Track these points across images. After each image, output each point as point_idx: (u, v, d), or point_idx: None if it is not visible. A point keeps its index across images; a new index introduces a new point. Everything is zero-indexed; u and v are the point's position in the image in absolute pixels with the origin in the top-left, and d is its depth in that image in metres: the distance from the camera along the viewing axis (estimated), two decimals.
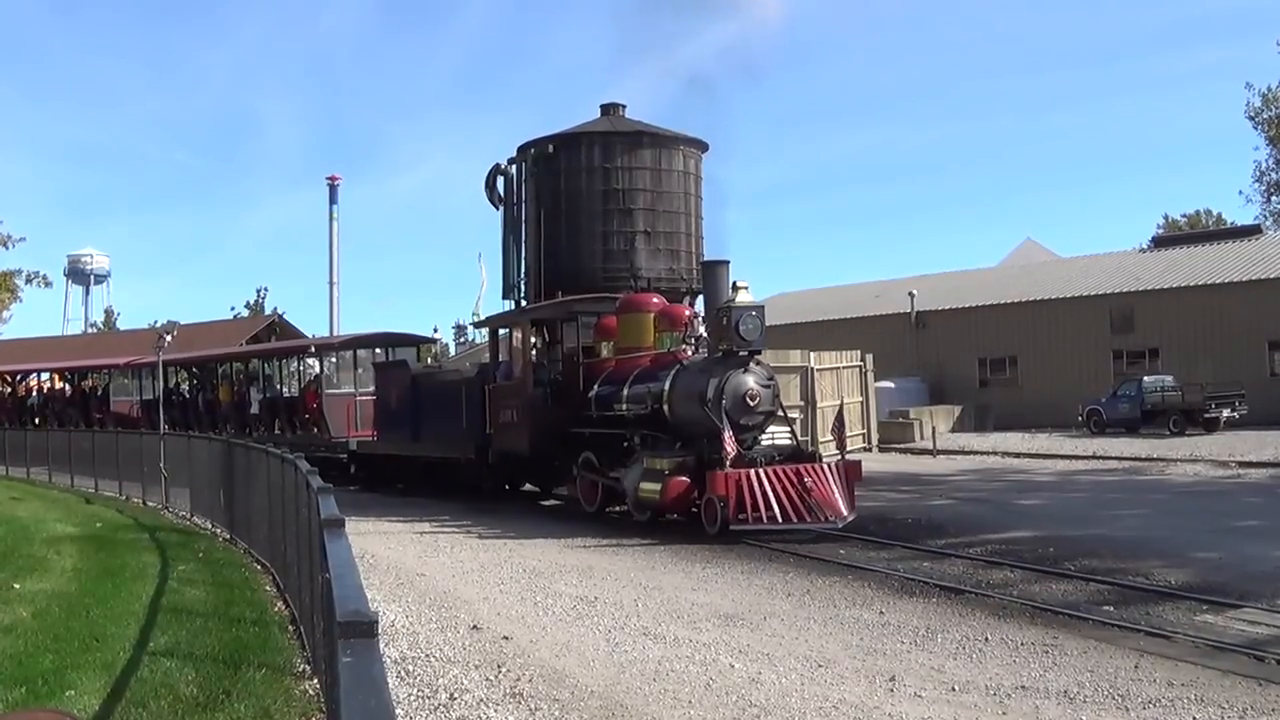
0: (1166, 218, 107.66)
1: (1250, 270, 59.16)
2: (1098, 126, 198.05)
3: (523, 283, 34.83)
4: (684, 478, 24.73)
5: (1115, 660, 13.29)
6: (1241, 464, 38.71)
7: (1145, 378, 55.24)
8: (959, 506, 28.92)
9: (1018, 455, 47.01)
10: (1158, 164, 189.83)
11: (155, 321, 75.40)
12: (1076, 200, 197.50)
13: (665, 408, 26.23)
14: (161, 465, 33.83)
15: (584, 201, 33.01)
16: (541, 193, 33.67)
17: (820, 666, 13.28)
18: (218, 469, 27.23)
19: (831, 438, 29.30)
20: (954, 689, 12.24)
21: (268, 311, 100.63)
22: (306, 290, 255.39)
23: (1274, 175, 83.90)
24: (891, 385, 60.78)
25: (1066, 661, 13.29)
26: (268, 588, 19.05)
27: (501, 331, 33.13)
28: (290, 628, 15.61)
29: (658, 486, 25.12)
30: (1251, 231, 67.68)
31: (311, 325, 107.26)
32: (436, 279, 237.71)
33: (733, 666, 13.29)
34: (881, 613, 16.42)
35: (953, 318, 68.63)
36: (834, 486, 24.26)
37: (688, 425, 25.69)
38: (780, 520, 23.35)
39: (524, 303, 34.73)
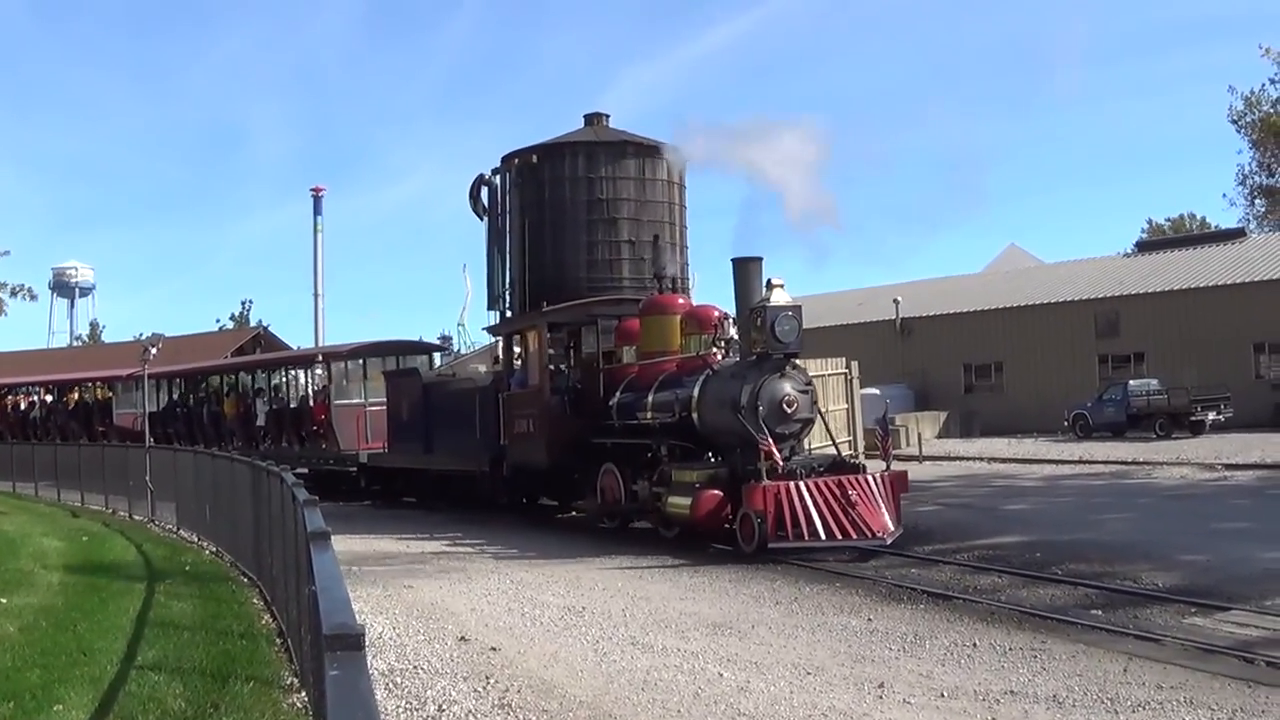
0: (1150, 222, 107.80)
1: (1234, 273, 59.34)
2: (1080, 131, 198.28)
3: (508, 293, 34.61)
4: (716, 491, 23.18)
5: (1104, 664, 13.30)
6: (1228, 466, 38.77)
7: (1131, 381, 55.47)
8: (945, 512, 28.88)
9: (1004, 460, 47.10)
10: (1141, 168, 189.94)
11: (141, 334, 75.14)
12: (1060, 206, 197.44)
13: (694, 416, 24.90)
14: (147, 479, 33.74)
15: (568, 211, 32.73)
16: (526, 203, 33.47)
17: (809, 674, 13.27)
18: (204, 482, 27.17)
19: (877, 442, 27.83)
20: (943, 695, 12.24)
21: (252, 324, 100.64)
22: (291, 302, 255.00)
23: (1257, 178, 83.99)
24: (877, 392, 60.81)
25: (1055, 666, 13.30)
26: (255, 601, 18.99)
27: (516, 337, 31.87)
28: (278, 640, 15.56)
29: (687, 501, 23.55)
30: (1235, 235, 67.81)
31: (296, 337, 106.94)
32: (422, 290, 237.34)
33: (721, 675, 13.28)
34: (869, 619, 16.42)
35: (937, 324, 68.80)
36: (879, 500, 22.67)
37: (719, 434, 24.53)
38: (824, 537, 21.77)
39: (509, 313, 34.27)
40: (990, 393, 66.28)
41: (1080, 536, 23.68)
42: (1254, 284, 57.51)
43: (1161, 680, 12.47)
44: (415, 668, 14.02)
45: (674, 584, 20.00)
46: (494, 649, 14.99)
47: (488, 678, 13.38)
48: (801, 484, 22.14)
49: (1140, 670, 12.95)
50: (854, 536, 22.08)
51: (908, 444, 52.59)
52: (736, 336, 25.55)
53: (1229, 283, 58.64)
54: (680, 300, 28.23)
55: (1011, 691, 12.27)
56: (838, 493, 22.25)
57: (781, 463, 22.62)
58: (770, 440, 22.59)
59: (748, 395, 23.46)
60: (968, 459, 48.33)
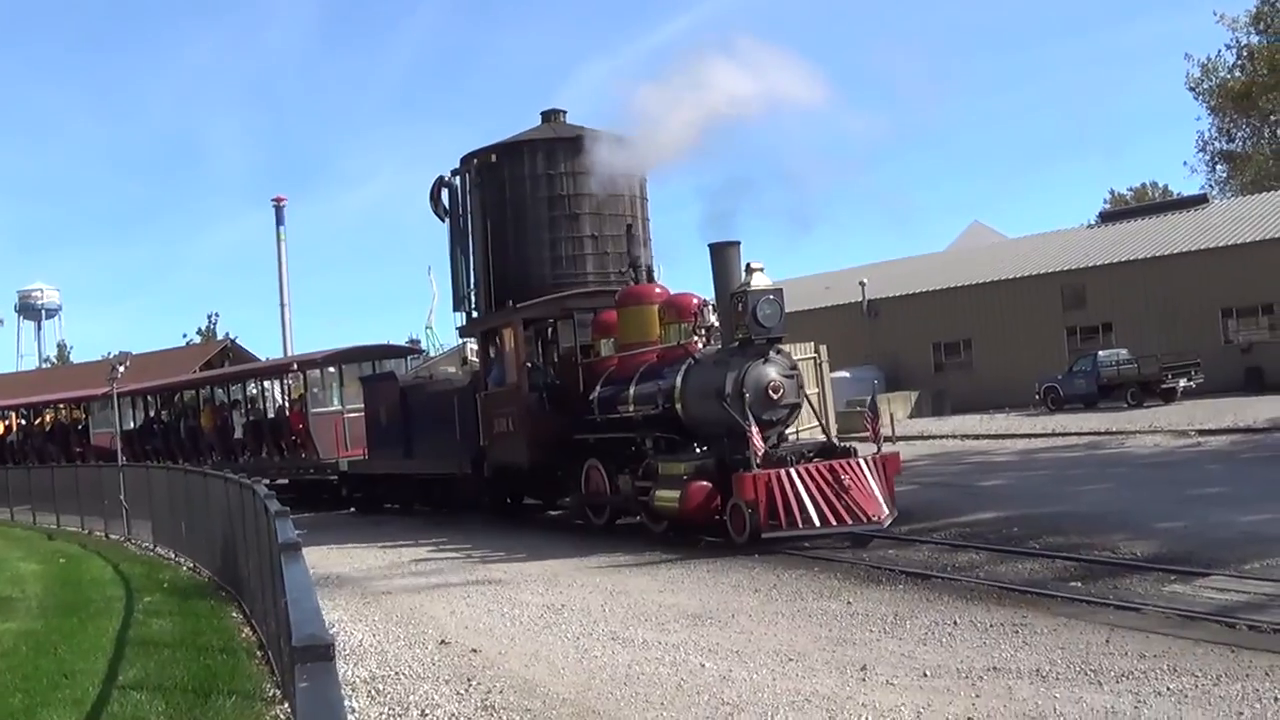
0: (1113, 193, 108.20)
1: (1199, 240, 59.51)
2: (1039, 105, 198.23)
3: (472, 294, 34.33)
4: (705, 482, 22.56)
5: (1086, 636, 13.31)
6: (1201, 432, 38.96)
7: (1100, 352, 55.57)
8: (921, 492, 28.84)
9: (977, 437, 47.22)
10: (1101, 139, 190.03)
11: (109, 353, 74.98)
12: (1022, 180, 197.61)
13: (678, 406, 24.22)
14: (121, 497, 33.65)
15: (529, 209, 32.31)
16: (487, 203, 33.10)
17: (791, 660, 13.26)
18: (178, 498, 27.09)
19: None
20: (925, 674, 12.23)
21: (220, 337, 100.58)
22: (258, 313, 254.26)
23: (1217, 144, 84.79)
24: (847, 375, 60.76)
25: (1037, 640, 13.31)
26: (234, 614, 18.95)
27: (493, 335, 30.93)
28: (258, 653, 15.55)
29: (676, 494, 22.91)
30: (1198, 201, 68.13)
31: (264, 348, 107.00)
32: (388, 294, 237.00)
33: (703, 666, 13.26)
34: (849, 603, 16.41)
35: (905, 304, 68.80)
36: (873, 483, 22.15)
37: (705, 424, 23.85)
38: (818, 524, 21.25)
39: (475, 314, 33.99)
40: (960, 370, 66.35)
41: (1057, 509, 23.73)
42: (1219, 249, 57.65)
43: (1144, 649, 12.48)
44: (397, 674, 13.99)
45: (652, 577, 19.96)
46: (475, 651, 14.96)
47: (469, 680, 13.35)
48: (792, 471, 21.63)
49: (1122, 640, 12.96)
50: (849, 522, 21.58)
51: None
52: (717, 324, 25.13)
53: (1194, 249, 58.77)
54: (657, 289, 27.61)
55: (994, 668, 12.27)
56: (830, 478, 21.80)
57: (768, 450, 22.11)
58: (757, 428, 22.11)
59: (732, 383, 22.89)
60: (941, 437, 48.39)
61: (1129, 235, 64.47)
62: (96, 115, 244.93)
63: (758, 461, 21.76)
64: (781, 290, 23.66)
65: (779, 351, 23.82)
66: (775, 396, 23.01)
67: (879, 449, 23.54)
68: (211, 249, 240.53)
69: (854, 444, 24.11)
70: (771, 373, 23.15)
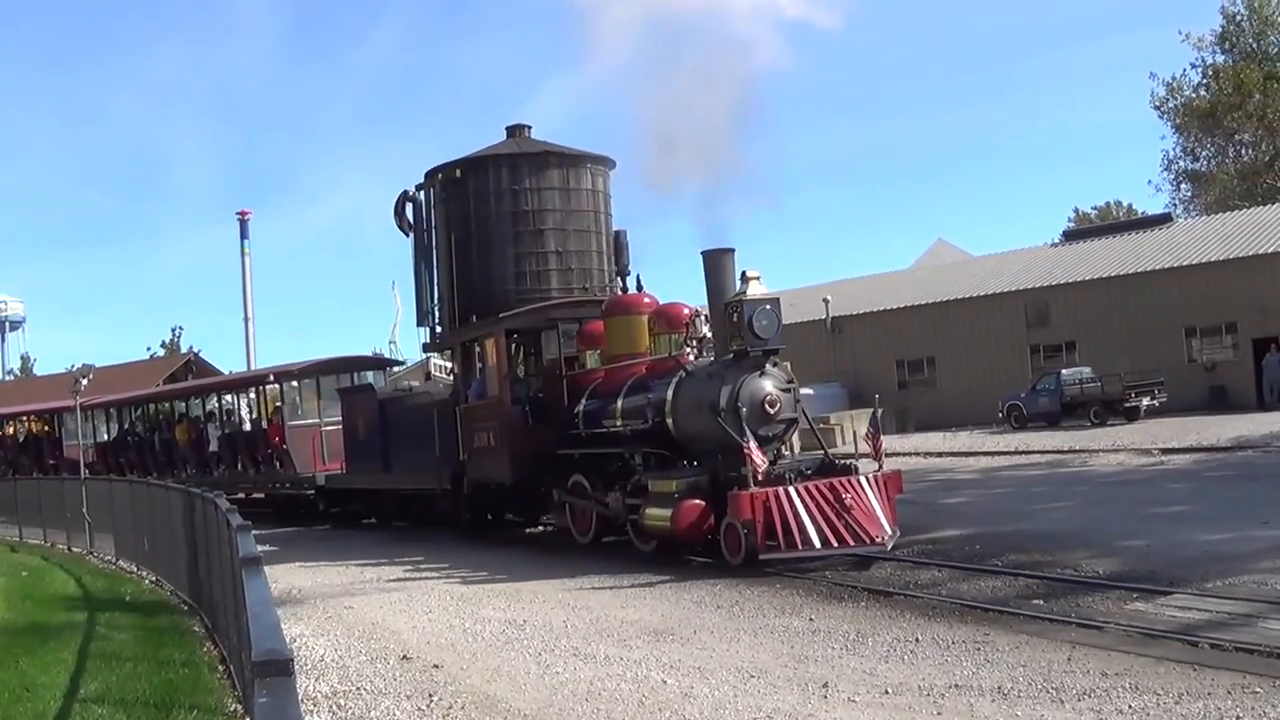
0: (1077, 211, 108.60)
1: (1163, 259, 59.63)
2: (1003, 122, 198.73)
3: (436, 309, 34.14)
4: (698, 500, 21.79)
5: (1047, 654, 13.32)
6: (1164, 451, 39.04)
7: (1064, 370, 55.65)
8: None
9: (940, 455, 47.24)
10: (1066, 157, 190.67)
11: (73, 365, 74.70)
12: (986, 198, 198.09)
13: (668, 421, 23.43)
14: (84, 510, 33.49)
15: (494, 224, 32.02)
16: (451, 218, 32.87)
17: (752, 677, 13.25)
18: (140, 512, 26.97)
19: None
20: (887, 692, 12.24)
21: (183, 350, 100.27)
22: (222, 327, 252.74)
23: (1182, 163, 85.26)
24: (810, 392, 60.72)
25: (999, 658, 13.31)
26: (196, 629, 18.88)
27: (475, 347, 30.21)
28: (220, 668, 15.49)
29: (667, 512, 22.08)
30: (1162, 220, 68.34)
31: (228, 361, 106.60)
32: (352, 308, 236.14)
33: (665, 682, 13.24)
34: (811, 619, 16.40)
35: (868, 321, 68.74)
36: (874, 502, 21.44)
37: (697, 439, 23.03)
38: (818, 545, 20.54)
39: (439, 329, 33.78)
40: (924, 388, 66.34)
41: (1019, 527, 23.76)
42: (1183, 268, 57.78)
43: (1105, 667, 12.50)
44: (358, 689, 13.94)
45: (614, 593, 19.92)
46: (436, 666, 14.93)
47: (431, 695, 13.32)
48: (791, 489, 20.92)
49: (1084, 658, 12.99)
50: (850, 543, 20.85)
51: (843, 442, 52.60)
52: (710, 335, 24.32)
53: (1158, 268, 58.86)
54: (646, 299, 26.82)
55: (956, 685, 12.28)
56: (830, 497, 21.09)
57: (764, 468, 21.25)
58: (754, 443, 21.28)
59: (727, 396, 22.05)
60: (904, 454, 48.28)
61: (1093, 254, 64.59)
62: (61, 127, 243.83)
63: (758, 479, 21.03)
64: (779, 300, 23.01)
65: (775, 364, 23.03)
66: (772, 411, 22.32)
67: (880, 466, 22.95)
68: (175, 262, 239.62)
69: (854, 462, 23.62)
70: (768, 386, 22.42)
